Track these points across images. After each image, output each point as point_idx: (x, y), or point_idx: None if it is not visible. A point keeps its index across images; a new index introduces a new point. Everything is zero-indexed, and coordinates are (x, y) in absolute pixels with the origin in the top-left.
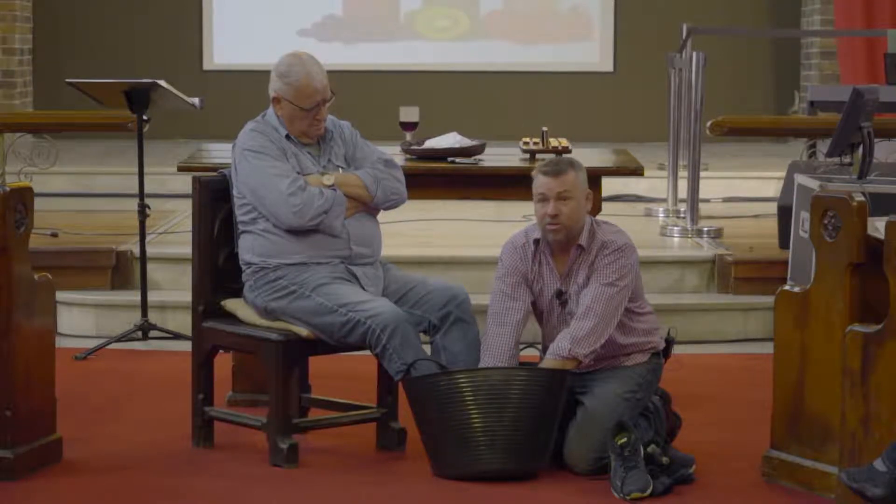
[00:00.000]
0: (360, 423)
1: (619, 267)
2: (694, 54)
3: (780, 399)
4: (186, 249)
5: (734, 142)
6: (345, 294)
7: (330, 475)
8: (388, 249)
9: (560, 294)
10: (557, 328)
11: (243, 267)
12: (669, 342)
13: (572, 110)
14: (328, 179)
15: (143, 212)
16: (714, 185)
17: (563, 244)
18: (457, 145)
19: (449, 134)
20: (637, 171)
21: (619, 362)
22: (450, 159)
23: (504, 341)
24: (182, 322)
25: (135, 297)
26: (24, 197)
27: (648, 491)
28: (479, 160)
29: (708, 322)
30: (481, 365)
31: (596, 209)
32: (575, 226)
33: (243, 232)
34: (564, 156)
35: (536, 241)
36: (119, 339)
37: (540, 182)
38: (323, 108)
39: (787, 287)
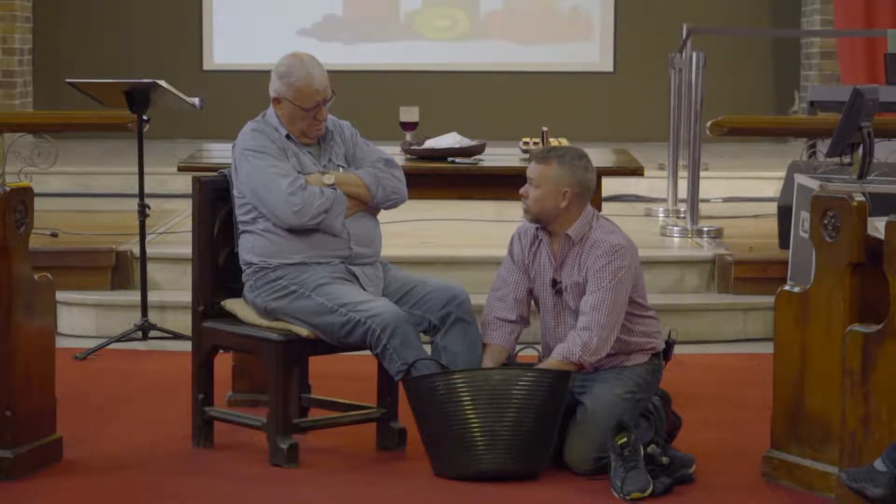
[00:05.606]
0: (360, 423)
1: (615, 269)
2: (694, 54)
3: (780, 399)
4: (186, 249)
5: (734, 142)
6: (345, 294)
7: (330, 475)
8: (388, 249)
9: (555, 283)
10: (555, 319)
11: (243, 267)
12: (670, 344)
13: (572, 110)
14: (328, 179)
15: (143, 212)
16: (714, 185)
17: (552, 229)
18: (457, 145)
19: (449, 134)
20: (637, 171)
21: (620, 362)
22: (450, 159)
23: (508, 292)
24: (182, 322)
25: (135, 297)
26: (24, 197)
27: (648, 491)
28: (479, 160)
29: (708, 322)
30: (485, 305)
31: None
32: (540, 214)
33: (243, 232)
34: (569, 147)
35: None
36: (119, 339)
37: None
38: (323, 108)
39: (787, 287)
